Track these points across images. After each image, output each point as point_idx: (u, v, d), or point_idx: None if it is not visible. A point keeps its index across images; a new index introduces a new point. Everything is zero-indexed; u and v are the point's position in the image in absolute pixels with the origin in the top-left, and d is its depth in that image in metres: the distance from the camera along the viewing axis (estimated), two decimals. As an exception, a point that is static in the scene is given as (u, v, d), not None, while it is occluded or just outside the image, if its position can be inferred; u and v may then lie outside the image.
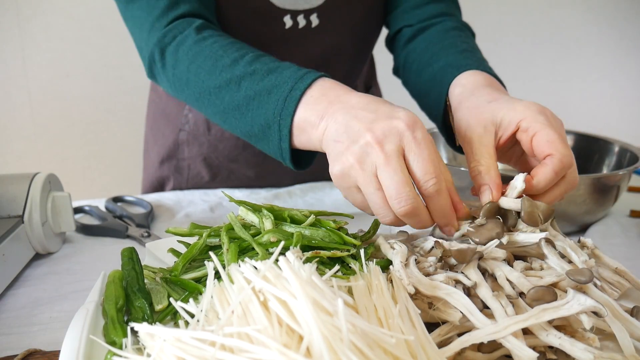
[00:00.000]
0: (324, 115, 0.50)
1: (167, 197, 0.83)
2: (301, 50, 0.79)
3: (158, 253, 0.56)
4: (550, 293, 0.39)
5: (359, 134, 0.47)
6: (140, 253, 0.52)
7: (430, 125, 0.82)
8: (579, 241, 0.51)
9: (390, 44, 0.85)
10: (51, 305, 0.52)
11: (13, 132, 1.62)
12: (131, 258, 0.50)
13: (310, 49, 0.80)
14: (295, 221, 0.53)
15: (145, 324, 0.37)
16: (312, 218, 0.53)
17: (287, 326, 0.33)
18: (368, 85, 0.98)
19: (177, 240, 0.55)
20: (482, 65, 0.65)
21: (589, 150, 0.81)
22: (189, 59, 0.60)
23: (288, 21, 0.76)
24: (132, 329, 0.39)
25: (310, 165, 0.59)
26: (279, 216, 0.53)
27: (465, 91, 0.60)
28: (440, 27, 0.75)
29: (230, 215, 0.53)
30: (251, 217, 0.53)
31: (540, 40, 1.94)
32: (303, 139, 0.53)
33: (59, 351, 0.37)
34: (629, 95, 2.01)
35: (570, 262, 0.45)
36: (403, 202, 0.45)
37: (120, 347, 0.39)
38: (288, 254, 0.40)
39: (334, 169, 0.49)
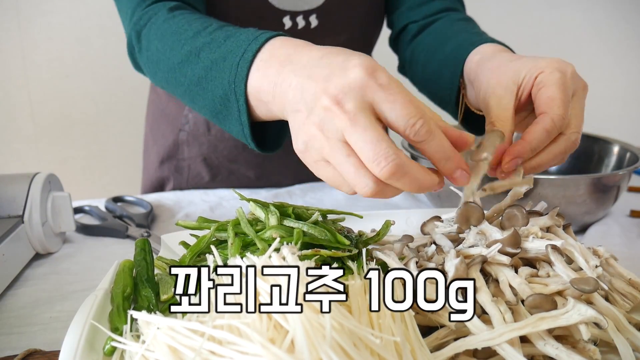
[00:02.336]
0: (277, 81, 0.44)
1: (167, 197, 0.83)
2: None
3: (173, 246, 0.57)
4: (549, 301, 0.39)
5: (314, 98, 0.40)
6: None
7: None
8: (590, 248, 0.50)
9: (394, 42, 0.85)
10: (51, 305, 0.52)
11: (13, 132, 1.62)
12: (144, 249, 0.52)
13: None
14: (300, 218, 0.54)
15: (143, 312, 0.38)
16: (316, 215, 0.53)
17: (275, 321, 0.34)
18: None
19: (190, 234, 0.56)
20: (497, 42, 0.62)
21: (589, 150, 0.81)
22: (157, 38, 0.57)
23: (287, 22, 0.76)
24: (131, 316, 0.40)
25: (278, 149, 0.54)
26: (285, 213, 0.54)
27: (486, 56, 0.58)
28: (447, 19, 0.75)
29: (238, 210, 0.53)
30: (259, 212, 0.54)
31: (540, 40, 1.94)
32: (263, 109, 0.48)
33: (59, 351, 0.37)
34: (629, 95, 2.01)
35: (580, 268, 0.45)
36: (383, 161, 0.37)
37: (122, 334, 0.40)
38: (284, 249, 0.40)
39: (297, 144, 0.42)
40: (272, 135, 0.54)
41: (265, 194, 0.85)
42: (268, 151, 0.54)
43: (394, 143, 0.38)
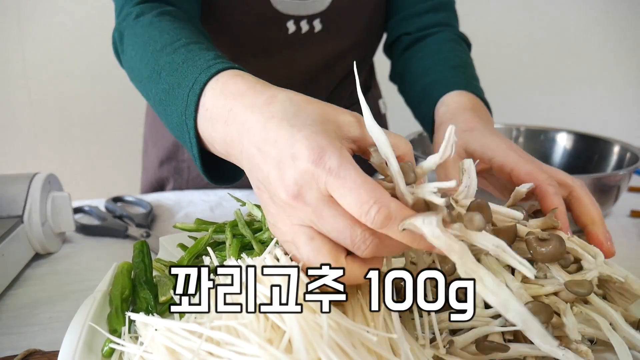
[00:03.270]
0: (226, 138, 0.42)
1: (167, 197, 0.83)
2: (304, 55, 0.80)
3: (171, 247, 0.57)
4: (546, 312, 0.38)
5: (272, 186, 0.38)
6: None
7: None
8: None
9: (388, 50, 0.86)
10: (51, 305, 0.52)
11: (13, 132, 1.62)
12: (142, 251, 0.52)
13: (313, 54, 0.80)
14: None
15: (141, 313, 0.38)
16: None
17: (273, 321, 0.34)
18: (367, 85, 0.99)
19: (188, 236, 0.56)
20: (470, 84, 0.65)
21: (589, 150, 0.81)
22: (132, 45, 0.55)
23: (291, 26, 0.76)
24: (129, 318, 0.40)
25: (233, 182, 0.51)
26: None
27: (448, 112, 0.61)
28: (437, 38, 0.76)
29: (236, 211, 0.53)
30: (256, 212, 0.54)
31: (540, 41, 1.94)
32: (218, 150, 0.44)
33: (58, 351, 0.37)
34: (629, 95, 2.01)
35: (579, 266, 0.45)
36: (362, 245, 0.35)
37: (121, 336, 0.40)
38: (277, 250, 0.40)
39: (267, 221, 0.41)
40: (229, 169, 0.50)
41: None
42: (221, 183, 0.51)
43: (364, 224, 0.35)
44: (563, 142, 0.84)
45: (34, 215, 0.59)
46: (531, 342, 0.38)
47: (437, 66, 0.71)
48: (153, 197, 0.83)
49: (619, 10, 1.92)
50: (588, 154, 0.81)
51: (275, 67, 0.80)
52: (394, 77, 0.84)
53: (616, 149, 0.77)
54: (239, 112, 0.41)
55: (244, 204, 0.56)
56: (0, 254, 0.53)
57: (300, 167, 0.36)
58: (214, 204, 0.80)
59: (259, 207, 0.54)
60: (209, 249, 0.44)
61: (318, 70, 0.83)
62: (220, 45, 0.63)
